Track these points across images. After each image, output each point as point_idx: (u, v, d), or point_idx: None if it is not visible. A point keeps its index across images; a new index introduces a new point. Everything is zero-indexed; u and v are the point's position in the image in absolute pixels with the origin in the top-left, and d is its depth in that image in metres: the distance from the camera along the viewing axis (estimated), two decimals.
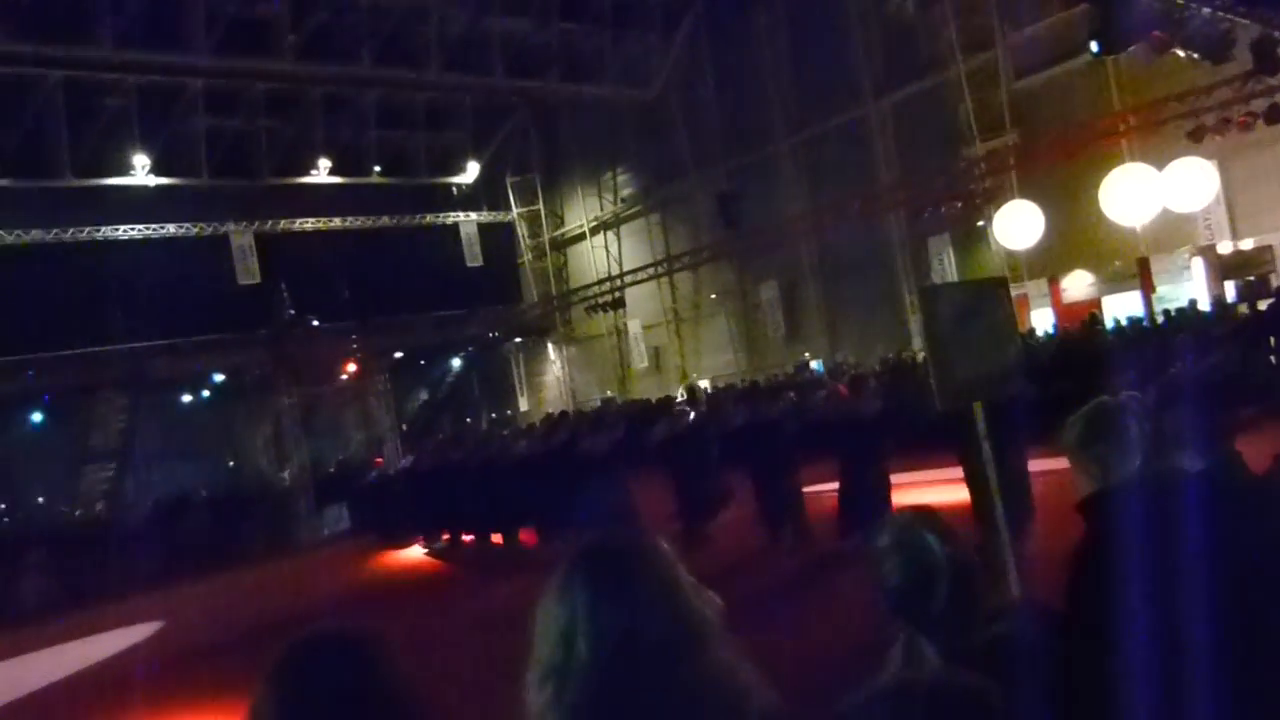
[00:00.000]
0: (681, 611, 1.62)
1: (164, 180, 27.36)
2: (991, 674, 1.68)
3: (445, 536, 17.23)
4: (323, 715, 1.53)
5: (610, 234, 33.20)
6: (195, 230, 28.42)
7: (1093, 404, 2.65)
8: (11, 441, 25.73)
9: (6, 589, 19.62)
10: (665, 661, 1.56)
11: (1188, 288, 19.14)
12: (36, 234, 25.82)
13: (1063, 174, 20.06)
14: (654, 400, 23.39)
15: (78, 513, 23.44)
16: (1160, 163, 17.30)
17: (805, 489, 11.62)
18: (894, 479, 10.59)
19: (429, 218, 33.51)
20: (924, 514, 2.30)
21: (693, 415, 14.83)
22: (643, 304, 31.22)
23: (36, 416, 25.24)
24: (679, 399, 22.25)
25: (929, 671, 1.92)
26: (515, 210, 35.74)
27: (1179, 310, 17.83)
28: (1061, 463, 2.82)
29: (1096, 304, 20.89)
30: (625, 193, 32.61)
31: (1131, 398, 2.74)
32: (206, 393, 28.04)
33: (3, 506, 25.05)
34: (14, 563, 20.06)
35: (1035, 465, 9.07)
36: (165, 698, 9.22)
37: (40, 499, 25.19)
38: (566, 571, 1.66)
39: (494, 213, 35.30)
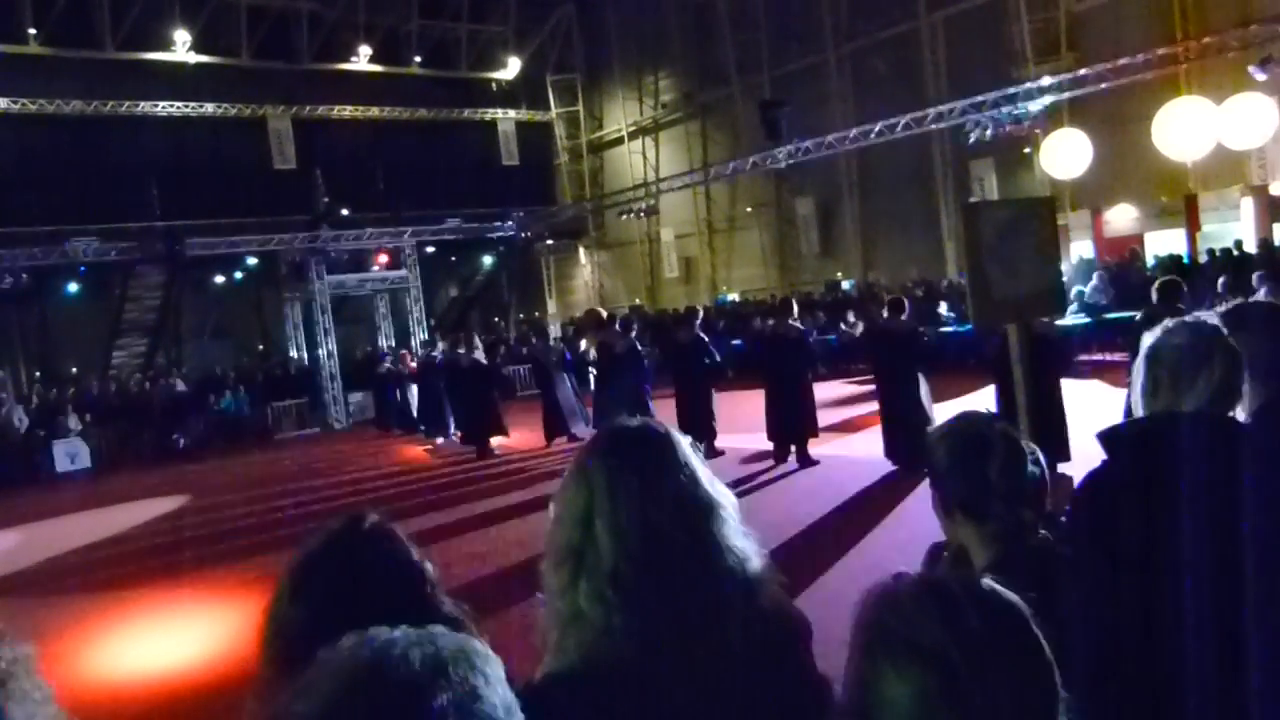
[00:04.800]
0: (697, 495, 1.63)
1: (204, 58, 27.18)
2: (1041, 581, 1.66)
3: (459, 434, 17.25)
4: (343, 604, 1.49)
5: (648, 139, 32.78)
6: (233, 111, 28.25)
7: (1189, 321, 2.36)
8: (47, 312, 26.11)
9: (44, 454, 20.16)
10: (680, 544, 1.57)
11: (1235, 228, 18.75)
12: (77, 105, 25.78)
13: (1116, 103, 19.51)
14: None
15: (113, 387, 23.84)
16: (1218, 97, 16.78)
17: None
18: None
19: (467, 113, 33.15)
20: (976, 411, 2.31)
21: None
22: (677, 212, 30.97)
23: (72, 288, 25.47)
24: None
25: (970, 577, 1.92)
26: (554, 110, 35.27)
27: (1224, 250, 17.49)
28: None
29: (1139, 239, 20.54)
30: (666, 98, 32.07)
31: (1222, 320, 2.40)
32: (240, 275, 28.19)
33: (38, 374, 25.51)
34: (52, 428, 20.56)
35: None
36: (188, 567, 9.48)
37: (74, 370, 25.61)
38: (585, 455, 1.67)
39: (533, 111, 34.86)
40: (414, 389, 19.52)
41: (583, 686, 1.53)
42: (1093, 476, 2.38)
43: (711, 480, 1.68)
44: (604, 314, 15.00)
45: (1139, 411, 2.35)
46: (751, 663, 1.58)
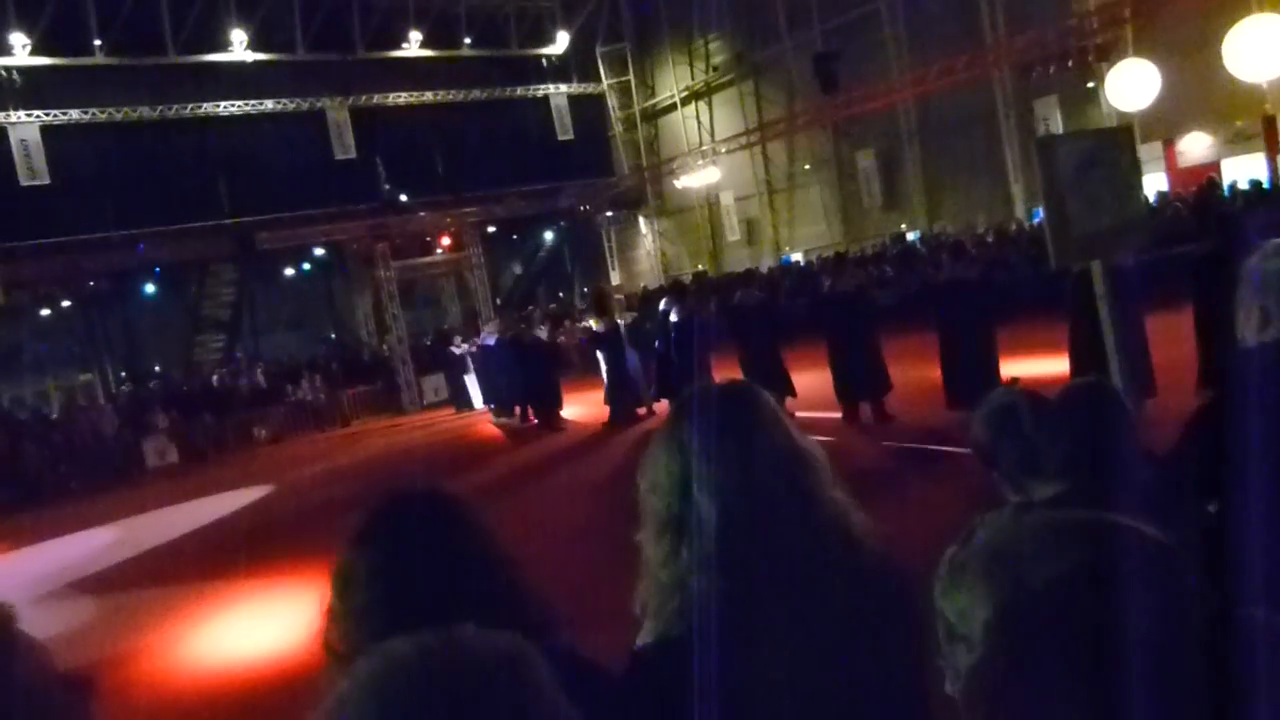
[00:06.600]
0: (792, 449, 1.59)
1: (261, 55, 27.61)
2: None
3: (518, 411, 17.36)
4: (412, 573, 1.49)
5: (702, 103, 32.51)
6: (292, 105, 28.69)
7: None
8: (127, 312, 26.95)
9: (133, 450, 20.82)
10: (781, 500, 1.54)
11: None
12: (144, 110, 26.41)
13: (1183, 27, 18.83)
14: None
15: (193, 380, 24.51)
16: None
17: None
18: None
19: (519, 90, 33.24)
20: (996, 388, 2.44)
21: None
22: (735, 175, 30.72)
23: (150, 288, 26.22)
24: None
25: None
26: (606, 81, 35.14)
27: None
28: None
29: (1215, 167, 19.87)
30: (717, 60, 31.74)
31: None
32: (308, 265, 28.71)
33: (124, 374, 26.34)
34: (140, 426, 21.21)
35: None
36: (274, 554, 9.67)
37: (156, 367, 26.41)
38: (675, 420, 1.62)
39: (584, 84, 34.79)
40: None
41: (693, 651, 1.49)
42: (1204, 410, 2.31)
43: (801, 433, 1.65)
44: (608, 293, 15.35)
45: (1249, 344, 2.23)
46: (860, 620, 1.54)
